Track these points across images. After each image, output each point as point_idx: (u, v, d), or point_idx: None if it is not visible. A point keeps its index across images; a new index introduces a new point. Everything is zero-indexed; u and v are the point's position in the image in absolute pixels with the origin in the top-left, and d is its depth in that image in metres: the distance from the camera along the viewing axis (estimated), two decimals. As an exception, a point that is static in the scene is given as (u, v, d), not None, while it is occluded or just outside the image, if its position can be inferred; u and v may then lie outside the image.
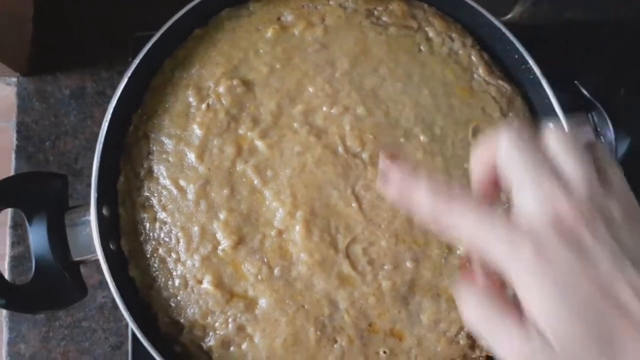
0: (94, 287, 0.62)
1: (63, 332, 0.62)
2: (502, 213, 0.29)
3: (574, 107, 0.46)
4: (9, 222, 0.62)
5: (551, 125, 0.45)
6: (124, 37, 0.60)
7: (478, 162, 0.32)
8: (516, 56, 0.45)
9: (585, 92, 0.45)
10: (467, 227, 0.30)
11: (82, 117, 0.65)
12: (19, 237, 0.60)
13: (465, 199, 0.30)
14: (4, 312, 0.61)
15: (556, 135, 0.31)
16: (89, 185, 0.42)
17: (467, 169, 0.44)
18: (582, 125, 0.45)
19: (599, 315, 0.29)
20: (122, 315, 0.61)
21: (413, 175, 0.32)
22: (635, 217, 0.31)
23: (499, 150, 0.30)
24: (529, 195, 0.29)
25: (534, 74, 0.44)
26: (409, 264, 0.43)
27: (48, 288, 0.42)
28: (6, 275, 0.56)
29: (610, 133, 0.44)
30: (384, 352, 0.42)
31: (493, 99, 0.45)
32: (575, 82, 0.45)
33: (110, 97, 0.64)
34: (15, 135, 0.65)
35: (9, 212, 0.63)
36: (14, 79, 0.65)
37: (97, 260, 0.54)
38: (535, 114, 0.47)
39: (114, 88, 0.65)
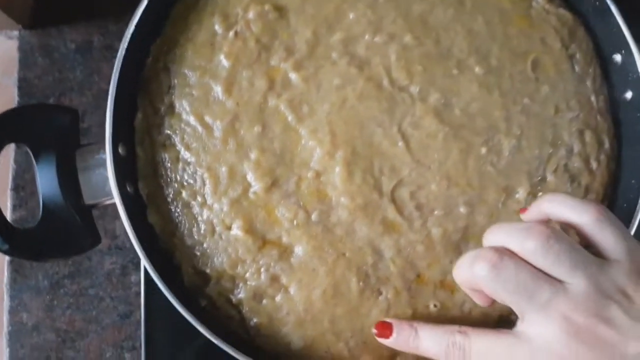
0: (101, 253, 0.59)
1: (68, 300, 0.58)
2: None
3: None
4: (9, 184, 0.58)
5: (618, 58, 0.41)
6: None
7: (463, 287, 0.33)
8: (580, -19, 0.41)
9: (658, 19, 0.40)
10: None
11: (89, 73, 0.61)
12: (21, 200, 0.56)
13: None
14: (5, 279, 0.57)
15: (527, 249, 0.30)
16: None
17: (526, 104, 0.40)
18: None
19: None
20: (132, 282, 0.58)
21: None
22: None
23: (479, 282, 0.31)
24: (528, 313, 0.30)
25: (601, 0, 0.40)
26: (462, 210, 0.39)
27: (57, 233, 0.37)
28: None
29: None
30: (434, 306, 0.38)
31: (553, 29, 0.41)
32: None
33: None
34: (17, 91, 0.61)
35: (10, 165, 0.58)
36: (16, 32, 0.61)
37: (109, 208, 0.50)
38: (598, 46, 0.42)
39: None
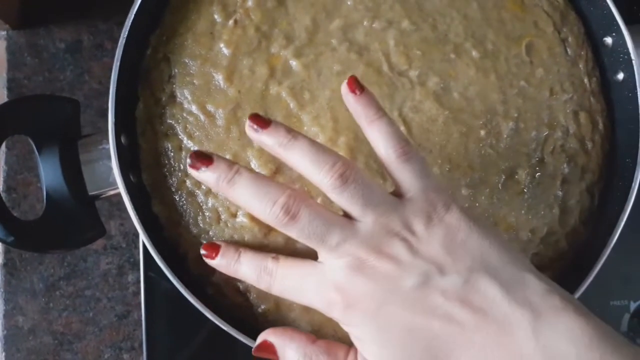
0: (97, 253, 0.58)
1: (64, 302, 0.57)
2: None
3: (633, 19, 0.42)
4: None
5: (609, 41, 0.42)
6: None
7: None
8: (570, -35, 0.42)
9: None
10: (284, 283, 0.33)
11: (79, 73, 0.61)
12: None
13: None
14: (-1, 280, 0.56)
15: (325, 184, 0.31)
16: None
17: (522, 87, 0.41)
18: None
19: (420, 337, 0.29)
20: (128, 282, 0.58)
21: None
22: (439, 212, 0.31)
23: (271, 222, 0.32)
24: (321, 252, 0.32)
25: (591, -17, 0.41)
26: (464, 192, 0.39)
27: (61, 224, 0.37)
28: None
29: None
30: None
31: (545, 13, 0.42)
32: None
33: (109, 51, 0.60)
34: (5, 92, 0.60)
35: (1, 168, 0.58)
36: (4, 33, 0.60)
37: (102, 208, 0.50)
38: (589, 29, 0.43)
39: (113, 41, 0.60)
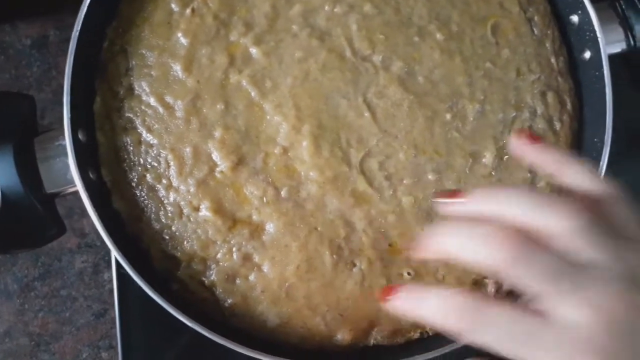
0: (71, 252, 0.57)
1: (40, 302, 0.57)
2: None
3: (600, -3, 0.42)
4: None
5: (575, 19, 0.41)
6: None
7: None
8: (535, -57, 0.41)
9: (612, -22, 0.41)
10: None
11: (46, 68, 0.60)
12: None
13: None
14: (-28, 285, 0.55)
15: (561, 227, 0.27)
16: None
17: (488, 69, 0.40)
18: (609, 18, 0.42)
19: None
20: (104, 280, 0.57)
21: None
22: None
23: (493, 266, 0.27)
24: (566, 305, 0.26)
25: (556, -39, 0.40)
26: (430, 177, 0.39)
27: (19, 224, 0.36)
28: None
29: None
30: (408, 274, 0.38)
31: (511, -7, 0.41)
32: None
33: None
34: (-29, 90, 0.59)
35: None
36: (-31, 31, 0.59)
37: (71, 205, 0.49)
38: (556, 8, 0.43)
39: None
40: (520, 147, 0.32)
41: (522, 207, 0.28)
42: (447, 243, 0.29)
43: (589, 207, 0.28)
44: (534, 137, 0.32)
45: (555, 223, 0.27)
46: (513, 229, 0.27)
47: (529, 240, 0.27)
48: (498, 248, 0.27)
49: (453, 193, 0.30)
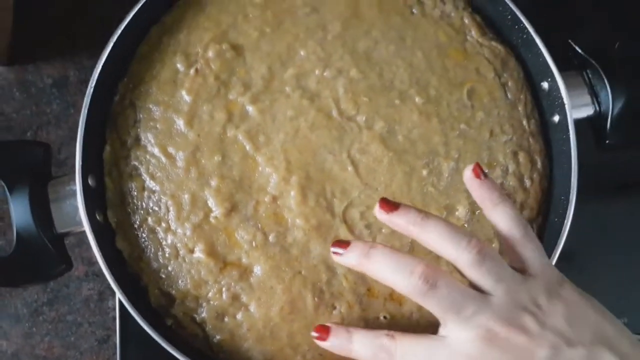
0: (78, 280, 0.60)
1: (47, 327, 0.59)
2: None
3: (569, 66, 0.45)
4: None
5: (546, 85, 0.45)
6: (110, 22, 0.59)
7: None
8: (509, 16, 0.45)
9: (579, 50, 0.44)
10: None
11: (65, 106, 0.63)
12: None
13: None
14: (-16, 310, 0.58)
15: (463, 260, 0.33)
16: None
17: (463, 130, 0.44)
18: (577, 84, 0.45)
19: None
20: (109, 308, 0.60)
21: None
22: (555, 287, 0.34)
23: (409, 294, 0.33)
24: (462, 329, 0.32)
25: (528, 33, 0.44)
26: (407, 228, 0.42)
27: (31, 261, 0.40)
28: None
29: (606, 90, 0.43)
30: (384, 317, 0.41)
31: (487, 60, 0.45)
32: (569, 40, 0.45)
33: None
34: (-6, 125, 0.63)
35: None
36: (-6, 69, 0.63)
37: (81, 236, 0.52)
38: (529, 74, 0.46)
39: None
40: (468, 180, 0.37)
41: (434, 236, 0.34)
42: (372, 264, 0.34)
43: (504, 244, 0.35)
44: (481, 172, 0.36)
45: (458, 255, 0.33)
46: (427, 261, 0.33)
47: (438, 272, 0.33)
48: (411, 277, 0.33)
49: (391, 205, 0.35)
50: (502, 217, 0.36)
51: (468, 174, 0.37)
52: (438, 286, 0.32)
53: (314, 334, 0.37)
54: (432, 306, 0.33)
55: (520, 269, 0.35)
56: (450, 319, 0.33)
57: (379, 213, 0.35)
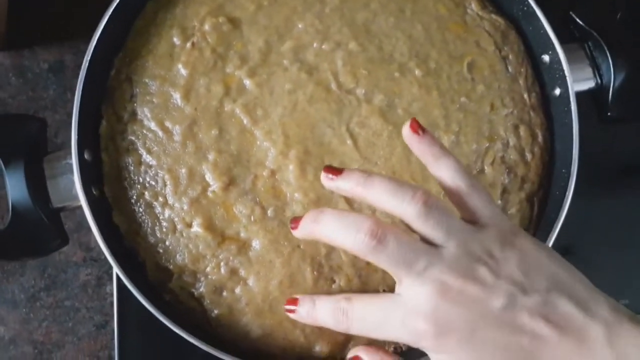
0: (76, 265, 0.60)
1: (44, 312, 0.59)
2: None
3: (570, 38, 0.45)
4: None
5: (547, 58, 0.44)
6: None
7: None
8: (509, -12, 0.45)
9: (580, 21, 0.44)
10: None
11: (62, 91, 0.63)
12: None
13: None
14: (-19, 296, 0.58)
15: (409, 214, 0.32)
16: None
17: (463, 103, 0.43)
18: (578, 57, 0.45)
19: (514, 355, 0.31)
20: (107, 293, 0.60)
21: None
22: (509, 237, 0.33)
23: (358, 252, 0.33)
24: (405, 279, 0.32)
25: (528, 5, 0.44)
26: (407, 201, 0.41)
27: (27, 235, 0.39)
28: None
29: (608, 62, 0.43)
30: (384, 290, 0.40)
31: (487, 33, 0.44)
32: (571, 12, 0.44)
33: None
34: (-9, 111, 0.63)
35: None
36: (-11, 55, 0.63)
37: (79, 219, 0.52)
38: (530, 47, 0.46)
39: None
40: (407, 137, 0.36)
41: (379, 193, 0.33)
42: (321, 227, 0.34)
43: (451, 197, 0.35)
44: (419, 127, 0.36)
45: (404, 209, 0.32)
46: (375, 218, 0.33)
47: (386, 228, 0.32)
48: (357, 234, 0.32)
49: (335, 170, 0.35)
50: (445, 171, 0.35)
51: (406, 130, 0.36)
52: (387, 242, 0.32)
53: (286, 306, 0.37)
54: (383, 263, 0.32)
55: (472, 220, 0.34)
56: (403, 275, 0.32)
57: (325, 180, 0.35)
